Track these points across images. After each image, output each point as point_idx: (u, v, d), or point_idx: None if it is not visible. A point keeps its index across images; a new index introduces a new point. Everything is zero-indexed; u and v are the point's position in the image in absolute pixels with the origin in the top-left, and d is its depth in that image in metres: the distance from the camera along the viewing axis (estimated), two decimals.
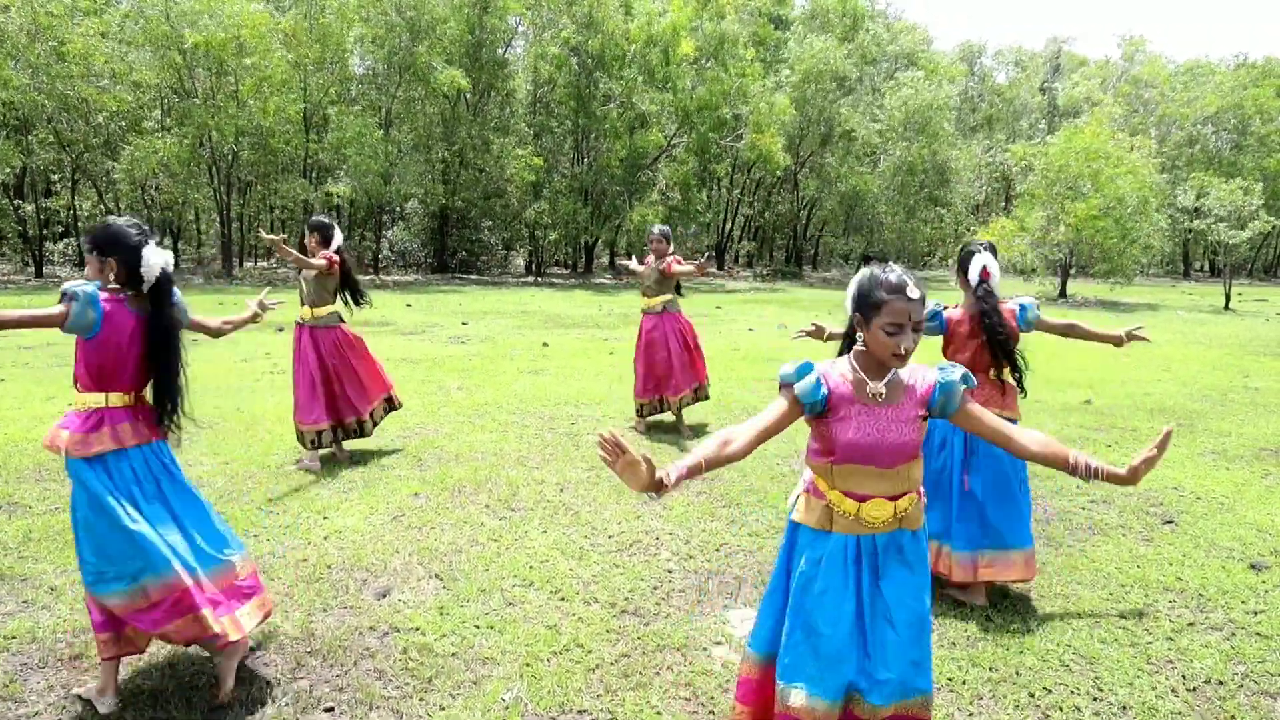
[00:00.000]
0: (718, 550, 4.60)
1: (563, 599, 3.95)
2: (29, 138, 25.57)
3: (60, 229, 30.69)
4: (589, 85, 31.50)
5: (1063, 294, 28.70)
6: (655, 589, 4.08)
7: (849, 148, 38.27)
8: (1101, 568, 4.43)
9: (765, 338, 14.94)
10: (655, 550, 4.58)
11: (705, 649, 3.52)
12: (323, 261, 5.84)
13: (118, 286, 3.00)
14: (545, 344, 13.03)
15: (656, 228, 7.24)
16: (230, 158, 28.16)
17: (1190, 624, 3.80)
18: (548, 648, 3.48)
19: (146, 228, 3.06)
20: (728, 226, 43.66)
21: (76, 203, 30.58)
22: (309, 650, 3.44)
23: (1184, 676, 3.36)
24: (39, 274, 26.44)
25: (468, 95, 31.07)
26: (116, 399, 3.01)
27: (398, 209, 35.22)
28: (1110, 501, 5.53)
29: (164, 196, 29.53)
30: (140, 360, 3.04)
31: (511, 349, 12.57)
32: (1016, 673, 3.36)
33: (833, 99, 36.92)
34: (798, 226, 44.06)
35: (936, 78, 39.81)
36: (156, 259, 2.98)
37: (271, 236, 5.58)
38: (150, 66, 25.86)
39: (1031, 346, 4.22)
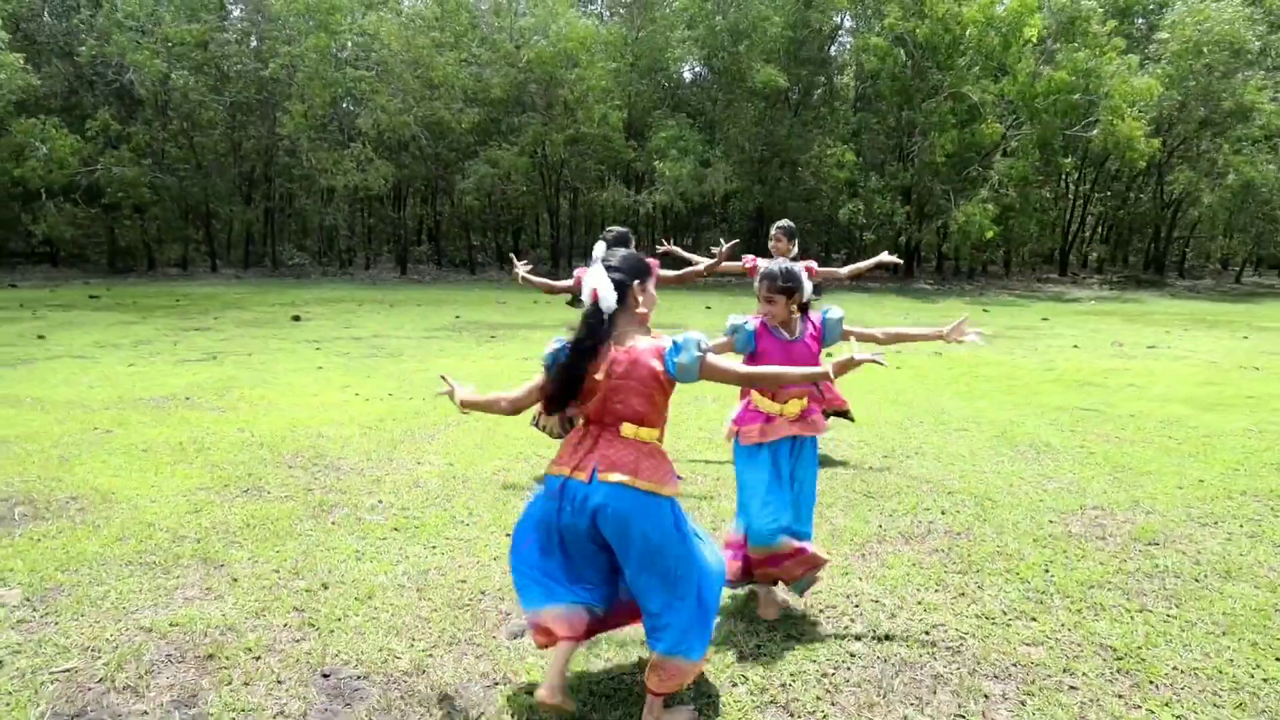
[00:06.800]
0: (927, 633, 3.65)
1: (709, 669, 3.30)
2: (401, 155, 29.44)
3: (425, 235, 35.04)
4: (915, 77, 29.59)
5: None
6: (823, 677, 3.27)
7: (1242, 131, 31.83)
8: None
9: (1093, 357, 12.78)
10: (848, 621, 3.75)
11: None
12: (568, 282, 5.73)
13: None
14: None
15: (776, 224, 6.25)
16: (559, 165, 30.30)
17: None
18: None
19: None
20: (1074, 226, 38.93)
21: (436, 210, 34.78)
22: (403, 693, 3.13)
23: None
24: (403, 272, 30.37)
25: (787, 94, 30.64)
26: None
27: (717, 211, 35.74)
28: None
29: (508, 202, 32.56)
30: None
31: None
32: None
33: (1221, 73, 30.94)
34: (1161, 226, 38.06)
35: None
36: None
37: (519, 271, 5.99)
38: (496, 87, 28.56)
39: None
